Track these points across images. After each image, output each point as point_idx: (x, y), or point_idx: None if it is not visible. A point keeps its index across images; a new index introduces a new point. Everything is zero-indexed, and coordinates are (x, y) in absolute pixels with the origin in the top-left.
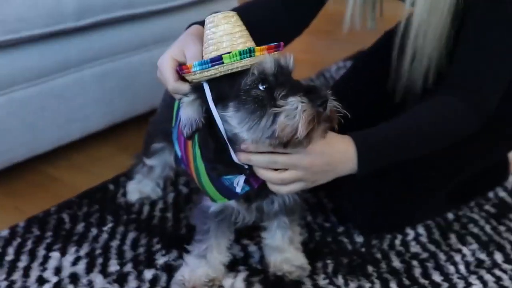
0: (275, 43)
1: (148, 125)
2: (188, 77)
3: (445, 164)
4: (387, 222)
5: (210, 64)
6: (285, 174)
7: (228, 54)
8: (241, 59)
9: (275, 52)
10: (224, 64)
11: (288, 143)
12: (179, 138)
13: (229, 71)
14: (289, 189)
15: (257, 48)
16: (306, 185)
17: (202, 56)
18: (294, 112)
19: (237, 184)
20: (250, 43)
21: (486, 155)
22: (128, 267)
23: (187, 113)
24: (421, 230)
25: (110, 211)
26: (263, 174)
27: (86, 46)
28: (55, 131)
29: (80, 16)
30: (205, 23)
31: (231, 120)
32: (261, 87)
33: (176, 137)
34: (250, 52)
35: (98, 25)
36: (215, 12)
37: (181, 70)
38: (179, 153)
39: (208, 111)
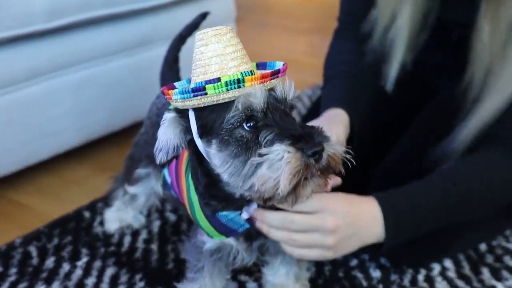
0: (274, 69)
1: (131, 147)
2: (171, 103)
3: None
4: (420, 253)
5: (192, 94)
6: (302, 237)
7: (212, 85)
8: (227, 89)
9: (272, 80)
10: (208, 96)
11: (269, 199)
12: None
13: (214, 103)
14: (304, 254)
15: (248, 78)
16: (325, 255)
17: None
18: (277, 163)
19: (243, 214)
20: (245, 66)
21: None
22: None
23: (166, 135)
24: (448, 263)
25: (85, 243)
26: (274, 234)
27: (59, 51)
28: (21, 149)
29: (52, 16)
30: (195, 40)
31: (214, 159)
32: (246, 126)
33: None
34: (239, 82)
35: (73, 26)
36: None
37: (163, 93)
38: (168, 179)
39: (192, 143)
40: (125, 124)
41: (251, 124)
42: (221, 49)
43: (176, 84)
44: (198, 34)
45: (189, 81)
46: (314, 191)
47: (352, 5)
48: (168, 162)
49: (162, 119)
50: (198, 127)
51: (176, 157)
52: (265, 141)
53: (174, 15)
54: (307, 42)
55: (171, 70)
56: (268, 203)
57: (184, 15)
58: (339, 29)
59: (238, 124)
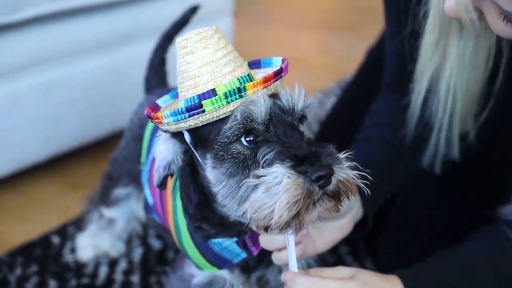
0: (277, 68)
1: (109, 163)
2: (161, 127)
3: None
4: None
5: (187, 115)
6: None
7: (210, 99)
8: (228, 102)
9: (277, 83)
10: (206, 113)
11: (268, 227)
12: (150, 180)
13: (214, 119)
14: None
15: (249, 84)
16: None
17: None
18: (275, 188)
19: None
20: (240, 71)
21: None
22: None
23: (162, 152)
24: None
25: (53, 274)
26: None
27: (23, 48)
28: None
29: (15, 7)
30: (176, 48)
31: (209, 175)
32: (244, 141)
33: (147, 179)
34: (240, 91)
35: (40, 19)
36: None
37: (149, 118)
38: (150, 200)
39: (188, 152)
40: (101, 135)
41: (251, 138)
42: (210, 55)
43: (158, 102)
44: (180, 42)
45: (173, 96)
46: (322, 216)
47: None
48: (164, 183)
49: (157, 136)
50: (192, 138)
51: (171, 175)
52: (263, 160)
53: (159, 8)
54: (316, 39)
55: (157, 75)
56: (268, 231)
57: (171, 8)
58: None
59: (235, 137)
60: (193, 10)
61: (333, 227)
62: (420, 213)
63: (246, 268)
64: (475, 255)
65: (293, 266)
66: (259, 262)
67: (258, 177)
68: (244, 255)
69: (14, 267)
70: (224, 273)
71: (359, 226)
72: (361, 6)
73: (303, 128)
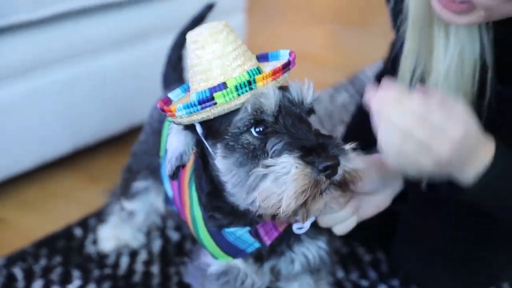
0: (285, 61)
1: (129, 157)
2: (173, 119)
3: None
4: (465, 284)
5: (199, 107)
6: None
7: (221, 92)
8: (238, 94)
9: (285, 75)
10: (217, 105)
11: (276, 216)
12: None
13: (225, 111)
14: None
15: (259, 77)
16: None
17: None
18: (283, 177)
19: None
20: (250, 64)
21: None
22: None
23: (174, 143)
24: None
25: (76, 265)
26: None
27: (44, 45)
28: (2, 158)
29: (36, 5)
30: (187, 43)
31: (219, 164)
32: (254, 132)
33: (167, 173)
34: (250, 83)
35: (60, 17)
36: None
37: (162, 111)
38: (170, 193)
39: (200, 143)
40: (121, 130)
41: (260, 129)
42: (220, 50)
43: (170, 95)
44: (191, 36)
45: (185, 89)
46: (329, 204)
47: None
48: (177, 170)
49: (169, 128)
50: (204, 129)
51: (183, 166)
52: (272, 150)
53: (176, 4)
54: (326, 33)
55: (174, 71)
56: (275, 219)
57: (188, 5)
58: None
59: (245, 128)
60: (209, 7)
61: (370, 202)
62: (432, 207)
63: (259, 257)
64: None
65: None
66: (271, 252)
67: (267, 166)
68: (257, 244)
69: (39, 258)
70: (238, 262)
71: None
72: (373, 2)
73: (313, 122)
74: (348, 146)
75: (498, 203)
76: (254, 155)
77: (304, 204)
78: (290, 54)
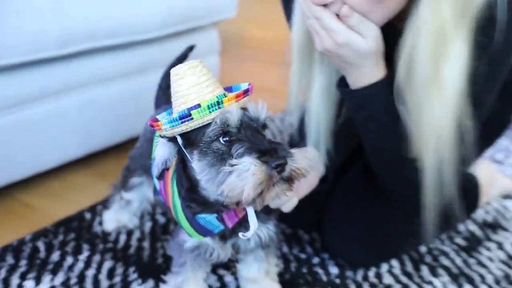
0: (245, 88)
1: (128, 159)
2: (160, 133)
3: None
4: (379, 256)
5: (180, 122)
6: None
7: (197, 110)
8: (210, 112)
9: (245, 99)
10: (194, 120)
11: (238, 203)
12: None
13: (200, 125)
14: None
15: (225, 99)
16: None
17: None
18: (244, 173)
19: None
20: (218, 91)
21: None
22: None
23: (160, 152)
24: (394, 262)
25: (86, 240)
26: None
27: (67, 75)
28: (32, 158)
29: (63, 44)
30: (171, 75)
31: (195, 166)
32: (222, 140)
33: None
34: (218, 104)
35: (81, 53)
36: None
37: (151, 127)
38: (157, 186)
39: (180, 151)
40: (123, 139)
41: (227, 138)
42: (196, 80)
43: (158, 117)
44: (173, 70)
45: (169, 113)
46: (279, 195)
47: None
48: (162, 172)
49: (156, 141)
50: (183, 140)
51: (167, 169)
52: (236, 153)
53: (165, 47)
54: (278, 73)
55: (164, 95)
56: (239, 206)
57: (175, 47)
58: None
59: (215, 137)
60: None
61: (304, 182)
62: (347, 192)
63: (223, 236)
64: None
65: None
66: (233, 233)
67: (232, 165)
68: (222, 227)
69: (58, 235)
70: (207, 240)
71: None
72: None
73: (268, 135)
74: (293, 150)
75: (360, 120)
76: (222, 158)
77: (261, 193)
78: (249, 85)
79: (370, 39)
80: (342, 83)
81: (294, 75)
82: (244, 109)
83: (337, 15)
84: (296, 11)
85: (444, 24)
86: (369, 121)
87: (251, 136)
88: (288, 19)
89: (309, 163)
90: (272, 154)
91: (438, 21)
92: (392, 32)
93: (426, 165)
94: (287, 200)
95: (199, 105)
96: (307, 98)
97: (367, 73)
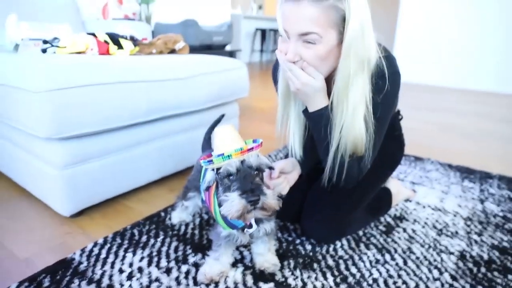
0: (251, 146)
1: (186, 181)
2: (207, 166)
3: (362, 189)
4: (331, 235)
5: (208, 163)
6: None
7: (217, 158)
8: (223, 160)
9: (250, 152)
10: (214, 163)
11: (227, 217)
12: (205, 190)
13: (220, 166)
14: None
15: (234, 153)
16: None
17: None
18: (230, 203)
19: (250, 223)
20: (237, 144)
21: (378, 182)
22: (172, 264)
23: (208, 176)
24: (344, 241)
25: (161, 229)
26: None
27: (151, 131)
28: (131, 179)
29: (149, 114)
30: (215, 133)
31: (220, 191)
32: (227, 179)
33: (203, 189)
34: (228, 157)
35: (159, 119)
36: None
37: (201, 160)
38: (204, 198)
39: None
40: (182, 168)
41: (230, 177)
42: (227, 136)
43: (213, 153)
44: (216, 131)
45: (203, 162)
46: (255, 217)
47: None
48: (208, 187)
49: (204, 170)
50: (216, 173)
51: (210, 187)
52: (231, 189)
53: (208, 114)
54: (274, 127)
55: (207, 144)
56: (229, 218)
57: (213, 114)
58: None
59: (225, 177)
60: (222, 115)
61: (291, 175)
62: (321, 193)
63: (243, 229)
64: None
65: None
66: (249, 227)
67: (227, 196)
68: (242, 224)
69: (145, 225)
70: (234, 231)
71: (300, 177)
72: None
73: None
74: (267, 191)
75: (315, 129)
76: (226, 189)
77: (241, 215)
78: (256, 142)
79: (320, 81)
80: (305, 110)
81: (279, 110)
82: (244, 158)
83: (302, 68)
84: (279, 74)
85: (351, 69)
86: (318, 129)
87: (242, 179)
88: (275, 83)
89: (276, 201)
90: (250, 192)
91: (347, 68)
92: (330, 79)
93: (339, 149)
94: (283, 188)
95: (222, 154)
96: (288, 123)
97: (318, 102)
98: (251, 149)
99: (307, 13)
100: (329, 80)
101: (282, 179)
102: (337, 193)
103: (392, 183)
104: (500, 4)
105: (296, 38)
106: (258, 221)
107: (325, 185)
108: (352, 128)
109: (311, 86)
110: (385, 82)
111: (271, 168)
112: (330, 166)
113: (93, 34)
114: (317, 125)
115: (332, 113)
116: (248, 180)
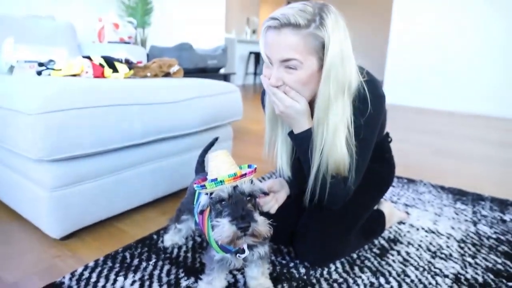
0: (244, 172)
1: (180, 204)
2: (200, 190)
3: (354, 212)
4: (328, 258)
5: (201, 188)
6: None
7: (210, 183)
8: (216, 185)
9: (243, 178)
10: (207, 188)
11: (221, 244)
12: (198, 213)
13: (212, 190)
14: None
15: (227, 179)
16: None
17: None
18: (221, 228)
19: (242, 248)
20: (231, 170)
21: (371, 203)
22: (164, 287)
23: (201, 200)
24: (338, 264)
25: (154, 252)
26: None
27: (145, 153)
28: (123, 201)
29: (144, 136)
30: (209, 157)
31: (213, 216)
32: (219, 205)
33: (196, 212)
34: (221, 182)
35: (154, 141)
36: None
37: (195, 185)
38: (197, 221)
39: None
40: (176, 190)
41: (222, 203)
42: (221, 161)
43: (208, 178)
44: (210, 155)
45: (197, 186)
46: (246, 243)
47: None
48: (202, 211)
49: (197, 193)
50: (209, 196)
51: (204, 210)
52: (223, 214)
53: (202, 137)
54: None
55: (200, 166)
56: (219, 243)
57: (207, 137)
58: None
59: (217, 201)
60: (216, 138)
61: (279, 194)
62: (306, 214)
63: (236, 253)
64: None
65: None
66: (243, 251)
67: (218, 221)
68: (236, 248)
69: (137, 248)
70: (227, 255)
71: (289, 197)
72: None
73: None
74: (259, 217)
75: (300, 151)
76: (218, 214)
77: (232, 241)
78: (252, 167)
79: (303, 104)
80: (290, 132)
81: (267, 133)
82: (235, 185)
83: (284, 92)
84: (266, 98)
85: (331, 93)
86: (303, 150)
87: (233, 205)
88: (263, 107)
89: (267, 228)
90: (241, 219)
91: (327, 92)
92: (312, 103)
93: (320, 169)
94: (271, 206)
95: (216, 179)
96: (275, 145)
97: (302, 124)
98: (244, 175)
99: (288, 40)
100: (312, 103)
101: (271, 197)
102: (329, 217)
103: (385, 205)
104: (489, 29)
105: (279, 64)
106: (251, 245)
107: (306, 204)
108: (334, 149)
109: (294, 109)
110: (367, 105)
111: (265, 193)
112: (312, 186)
113: (89, 57)
114: (302, 146)
115: (313, 134)
116: (239, 206)
